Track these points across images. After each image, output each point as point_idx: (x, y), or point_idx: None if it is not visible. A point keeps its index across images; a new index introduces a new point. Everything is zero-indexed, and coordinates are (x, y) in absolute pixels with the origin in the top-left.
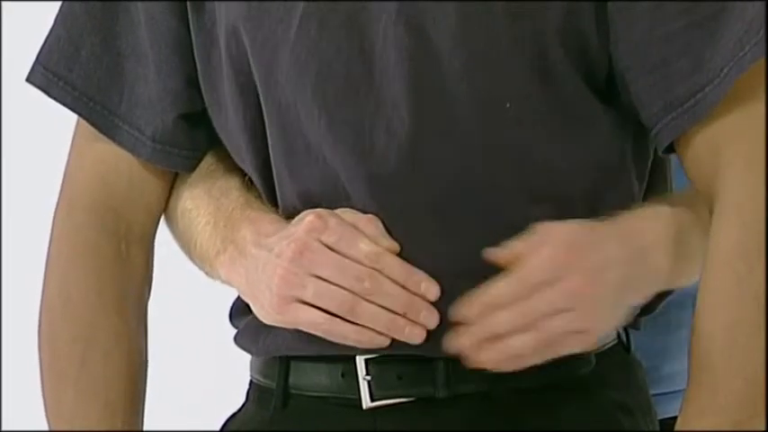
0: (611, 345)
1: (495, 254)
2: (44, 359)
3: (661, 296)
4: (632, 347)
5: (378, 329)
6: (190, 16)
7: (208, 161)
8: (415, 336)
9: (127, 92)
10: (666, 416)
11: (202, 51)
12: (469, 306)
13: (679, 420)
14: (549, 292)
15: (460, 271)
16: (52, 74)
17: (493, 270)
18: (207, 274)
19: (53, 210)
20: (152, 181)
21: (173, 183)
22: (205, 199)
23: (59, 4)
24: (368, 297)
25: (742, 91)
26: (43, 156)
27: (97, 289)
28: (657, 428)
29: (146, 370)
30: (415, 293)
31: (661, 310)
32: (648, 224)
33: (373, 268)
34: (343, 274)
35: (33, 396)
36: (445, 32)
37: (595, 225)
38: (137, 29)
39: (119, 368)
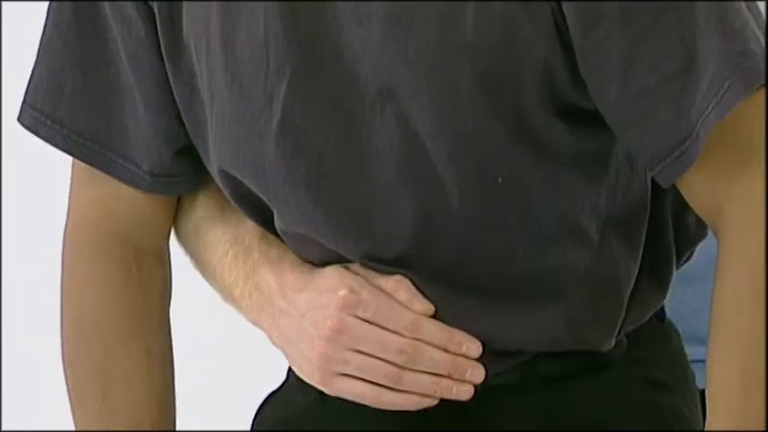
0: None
1: None
2: (69, 389)
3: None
4: (667, 314)
5: (425, 393)
6: (167, 65)
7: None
8: (464, 393)
9: (116, 125)
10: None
11: (184, 101)
12: None
13: None
14: None
15: (486, 324)
16: (39, 113)
17: (511, 315)
18: (223, 299)
19: (53, 209)
20: (157, 203)
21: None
22: (220, 223)
23: None
24: (411, 367)
25: (731, 128)
26: (43, 156)
27: (108, 319)
28: (697, 400)
29: (172, 390)
30: (457, 353)
31: (691, 270)
32: None
33: (413, 338)
34: (385, 349)
35: (33, 396)
36: (426, 119)
37: None
38: (118, 63)
39: (139, 396)
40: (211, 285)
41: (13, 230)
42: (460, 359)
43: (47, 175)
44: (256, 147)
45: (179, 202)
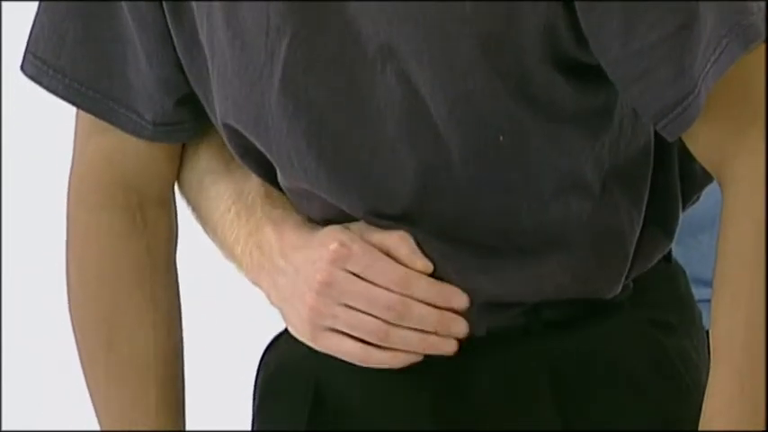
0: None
1: None
2: (76, 339)
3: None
4: (673, 255)
5: (411, 350)
6: (169, 21)
7: None
8: (449, 348)
9: (117, 75)
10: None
11: (186, 55)
12: None
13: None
14: None
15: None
16: (41, 61)
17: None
18: (224, 256)
19: (52, 209)
20: (160, 152)
21: (183, 145)
22: (224, 177)
23: None
24: (399, 323)
25: (736, 84)
26: (43, 154)
27: (113, 269)
28: (704, 341)
29: (180, 338)
30: (444, 308)
31: (701, 216)
32: None
33: (403, 294)
34: (373, 305)
35: (33, 396)
36: (426, 78)
37: None
38: (120, 12)
39: (146, 347)
40: (212, 240)
41: (13, 230)
42: (447, 314)
43: (47, 174)
44: (259, 103)
45: (184, 152)
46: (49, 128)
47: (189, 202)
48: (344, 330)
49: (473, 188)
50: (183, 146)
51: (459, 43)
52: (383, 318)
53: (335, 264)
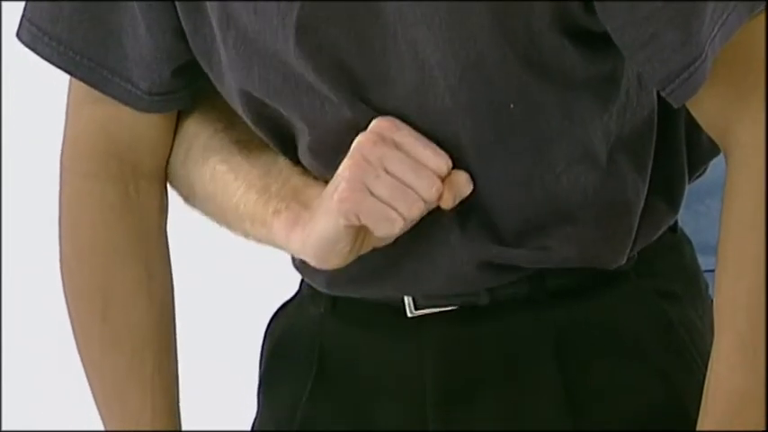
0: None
1: None
2: (69, 309)
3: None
4: (679, 225)
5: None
6: None
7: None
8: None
9: (113, 44)
10: None
11: (189, 23)
12: None
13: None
14: None
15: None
16: (37, 28)
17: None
18: (244, 233)
19: (52, 208)
20: (155, 123)
21: (176, 119)
22: (245, 165)
23: None
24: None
25: (741, 50)
26: (43, 153)
27: (107, 238)
28: (710, 312)
29: (172, 307)
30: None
31: (710, 181)
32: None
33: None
34: (420, 177)
35: (33, 396)
36: (437, 45)
37: None
38: None
39: (141, 316)
40: (226, 225)
41: (13, 230)
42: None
43: (47, 173)
44: (278, 67)
45: (177, 145)
46: (49, 127)
47: (191, 191)
48: (380, 193)
49: (484, 158)
50: (178, 125)
51: (469, 6)
52: (420, 193)
53: (384, 130)
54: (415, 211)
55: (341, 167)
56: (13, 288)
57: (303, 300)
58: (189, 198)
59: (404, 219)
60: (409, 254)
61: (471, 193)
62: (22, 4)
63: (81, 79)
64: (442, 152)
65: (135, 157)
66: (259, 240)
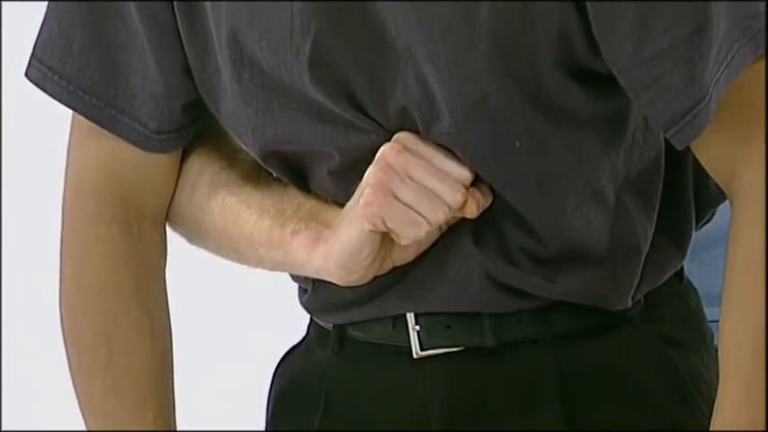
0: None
1: None
2: (70, 353)
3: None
4: (686, 274)
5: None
6: (180, 26)
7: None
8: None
9: (122, 83)
10: None
11: (197, 62)
12: None
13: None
14: None
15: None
16: (47, 68)
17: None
18: (257, 260)
19: (52, 209)
20: (160, 165)
21: (181, 160)
22: (256, 195)
23: None
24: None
25: (745, 91)
26: (43, 155)
27: (113, 281)
28: (714, 360)
29: (171, 351)
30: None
31: (716, 231)
32: None
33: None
34: (444, 183)
35: (33, 396)
36: (443, 81)
37: None
38: (128, 20)
39: (144, 360)
40: (236, 257)
41: (13, 230)
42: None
43: (47, 175)
44: (298, 98)
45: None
46: (49, 128)
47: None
48: (406, 198)
49: (493, 194)
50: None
51: (474, 41)
52: (445, 199)
53: (406, 141)
54: (441, 215)
55: (366, 175)
56: (13, 288)
57: (310, 343)
58: (195, 236)
59: (429, 223)
60: (419, 262)
61: (486, 211)
62: (22, 4)
63: (89, 118)
64: (465, 163)
65: (140, 199)
66: (274, 266)
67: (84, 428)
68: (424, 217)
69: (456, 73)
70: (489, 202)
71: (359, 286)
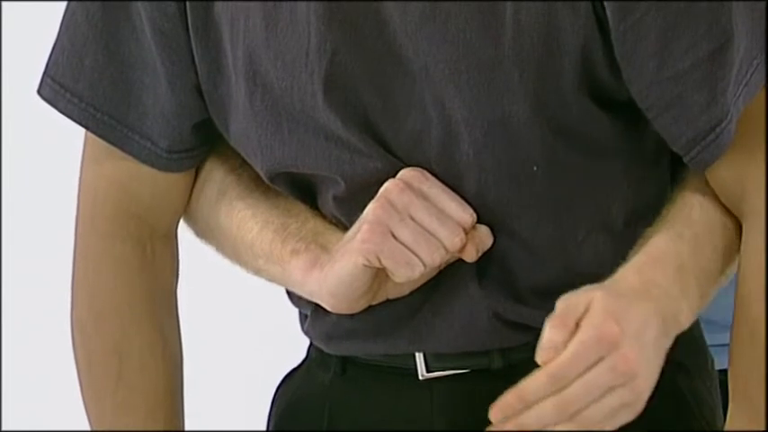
0: None
1: (540, 354)
2: (81, 371)
3: None
4: None
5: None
6: (193, 43)
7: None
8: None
9: (134, 101)
10: (723, 367)
11: (209, 80)
12: (505, 404)
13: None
14: (595, 375)
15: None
16: (59, 85)
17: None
18: (256, 270)
19: (52, 210)
20: (174, 183)
21: (195, 176)
22: (264, 203)
23: (59, 4)
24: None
25: (756, 111)
26: (43, 157)
27: (127, 300)
28: (716, 385)
29: (182, 369)
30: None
31: None
32: (659, 266)
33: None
34: (443, 226)
35: (33, 396)
36: (463, 102)
37: (617, 287)
38: (141, 38)
39: (155, 378)
40: (242, 260)
41: (13, 230)
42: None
43: (47, 177)
44: (306, 122)
45: (196, 184)
46: (49, 129)
47: (205, 230)
48: (404, 238)
49: (505, 218)
50: (195, 177)
51: (495, 62)
52: (443, 241)
53: (412, 179)
54: (437, 259)
55: (366, 211)
56: (13, 288)
57: (311, 365)
58: (202, 233)
59: (424, 265)
60: (425, 304)
61: (492, 248)
62: (22, 4)
63: (101, 136)
64: (467, 206)
65: (154, 217)
66: (271, 279)
67: (84, 428)
68: (419, 258)
69: (477, 92)
70: (489, 245)
71: (362, 321)
